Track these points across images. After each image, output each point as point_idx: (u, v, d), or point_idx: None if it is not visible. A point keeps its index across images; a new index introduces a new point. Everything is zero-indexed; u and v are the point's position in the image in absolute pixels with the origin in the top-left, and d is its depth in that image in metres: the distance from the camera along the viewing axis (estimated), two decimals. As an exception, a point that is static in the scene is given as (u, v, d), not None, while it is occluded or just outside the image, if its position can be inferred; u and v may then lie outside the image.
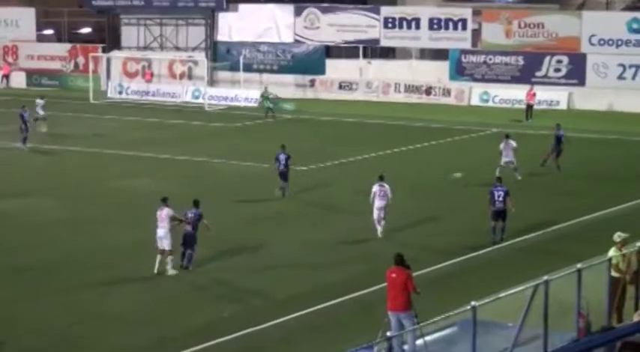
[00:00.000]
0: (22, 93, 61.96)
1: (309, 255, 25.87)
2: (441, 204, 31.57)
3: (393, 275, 17.42)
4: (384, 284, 17.83)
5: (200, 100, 57.79)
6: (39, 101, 46.28)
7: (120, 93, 60.55)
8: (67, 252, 26.14)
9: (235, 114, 54.02)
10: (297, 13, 61.18)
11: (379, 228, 26.92)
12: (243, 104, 57.22)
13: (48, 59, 66.11)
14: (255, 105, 56.04)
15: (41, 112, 45.75)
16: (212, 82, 61.04)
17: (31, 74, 65.81)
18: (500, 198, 26.36)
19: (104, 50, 64.70)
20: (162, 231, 23.82)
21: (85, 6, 66.04)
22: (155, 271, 23.71)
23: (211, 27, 62.55)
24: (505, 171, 33.59)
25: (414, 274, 17.88)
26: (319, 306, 21.38)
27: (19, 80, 65.69)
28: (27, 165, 39.39)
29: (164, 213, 23.90)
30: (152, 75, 62.74)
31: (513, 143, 34.85)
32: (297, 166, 34.38)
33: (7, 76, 65.52)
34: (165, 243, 23.77)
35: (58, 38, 68.96)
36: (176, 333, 19.96)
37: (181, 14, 62.84)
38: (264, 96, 53.56)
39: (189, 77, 62.22)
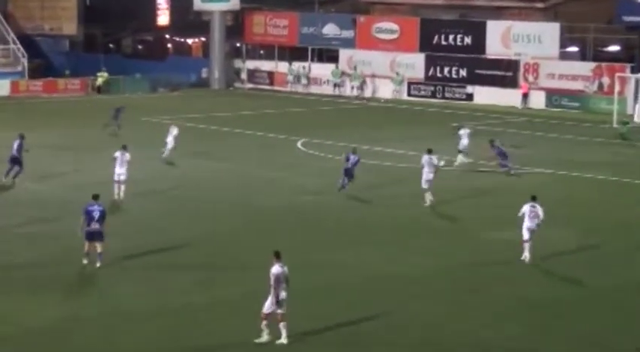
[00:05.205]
0: (539, 114, 58.28)
1: None
2: None
3: None
4: None
5: None
6: None
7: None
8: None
9: None
10: None
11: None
12: None
13: (569, 79, 61.41)
14: None
15: None
16: None
17: (550, 94, 61.66)
18: None
19: (633, 70, 58.69)
20: None
21: (614, 22, 60.63)
22: None
23: None
24: None
25: None
26: None
27: (538, 100, 61.75)
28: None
29: None
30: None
31: None
32: None
33: (526, 95, 62.06)
34: None
35: (582, 56, 63.89)
36: None
37: None
38: None
39: None
